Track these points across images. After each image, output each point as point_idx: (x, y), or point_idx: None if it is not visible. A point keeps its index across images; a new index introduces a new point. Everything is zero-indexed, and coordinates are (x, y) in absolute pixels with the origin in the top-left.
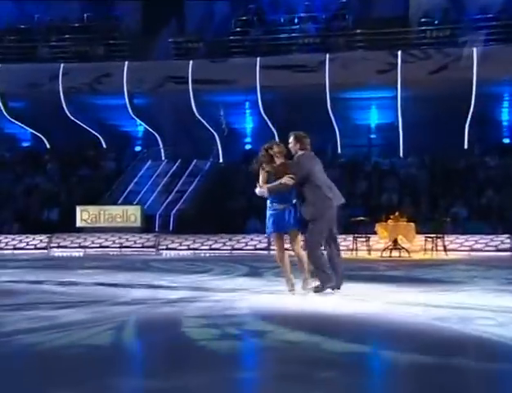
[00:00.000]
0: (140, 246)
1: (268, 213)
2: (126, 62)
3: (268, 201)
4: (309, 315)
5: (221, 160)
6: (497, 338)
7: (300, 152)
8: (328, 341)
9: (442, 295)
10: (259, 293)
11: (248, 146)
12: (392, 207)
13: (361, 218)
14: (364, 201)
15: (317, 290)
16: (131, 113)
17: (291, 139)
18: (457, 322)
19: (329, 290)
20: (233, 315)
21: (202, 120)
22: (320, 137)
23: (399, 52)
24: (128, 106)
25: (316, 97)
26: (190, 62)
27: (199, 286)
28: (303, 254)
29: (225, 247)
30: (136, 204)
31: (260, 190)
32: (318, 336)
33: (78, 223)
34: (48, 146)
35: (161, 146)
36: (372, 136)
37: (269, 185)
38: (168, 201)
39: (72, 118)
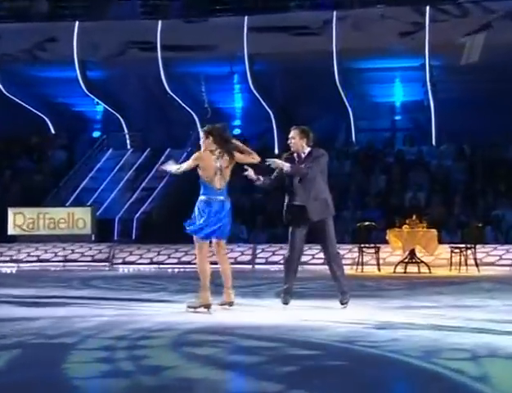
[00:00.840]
0: (89, 259)
1: (201, 208)
2: (76, 23)
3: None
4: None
5: (202, 149)
6: None
7: (307, 149)
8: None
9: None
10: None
11: (236, 131)
12: (417, 209)
13: (369, 223)
14: (381, 201)
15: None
16: (84, 89)
17: (295, 133)
18: None
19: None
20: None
21: (176, 98)
22: (328, 119)
23: (427, 8)
24: (80, 79)
25: (320, 67)
26: (160, 23)
27: (120, 313)
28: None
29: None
30: (90, 205)
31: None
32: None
33: (10, 231)
34: None
35: (125, 131)
36: (396, 117)
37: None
38: (131, 201)
39: (8, 94)
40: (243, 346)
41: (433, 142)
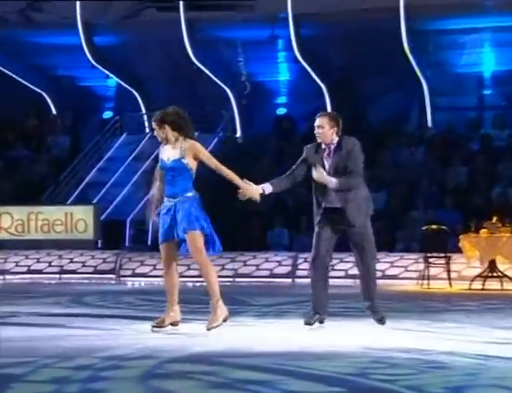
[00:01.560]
0: (91, 270)
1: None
2: None
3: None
4: None
5: (238, 134)
6: None
7: (336, 139)
8: None
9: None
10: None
11: (281, 110)
12: (506, 209)
13: (437, 226)
14: (461, 200)
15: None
16: (90, 58)
17: (324, 121)
18: None
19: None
20: None
21: (205, 70)
22: (396, 96)
23: None
24: (85, 46)
25: (384, 29)
26: None
27: (98, 337)
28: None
29: (225, 272)
30: (96, 203)
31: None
32: None
33: None
34: None
35: (143, 110)
36: (484, 92)
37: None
38: (147, 198)
39: None
40: (228, 379)
41: None
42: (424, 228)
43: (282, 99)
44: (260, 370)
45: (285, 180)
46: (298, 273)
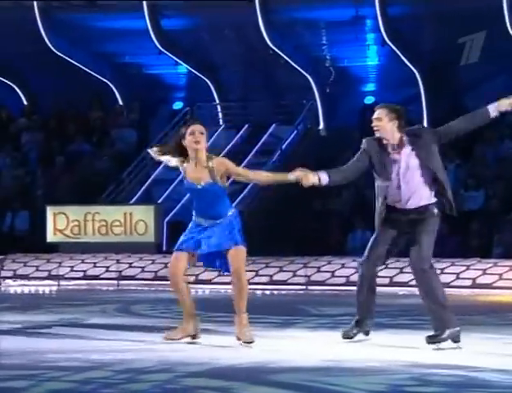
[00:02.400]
0: (151, 276)
1: None
2: None
3: None
4: None
5: (320, 126)
6: None
7: (399, 135)
8: None
9: None
10: None
11: (369, 99)
12: None
13: None
14: None
15: None
16: (156, 43)
17: (382, 113)
18: None
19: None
20: None
21: (283, 56)
22: (498, 82)
23: None
24: (151, 30)
25: (485, 8)
26: None
27: (126, 349)
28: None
29: (297, 279)
30: (161, 203)
31: None
32: None
33: (50, 237)
34: (25, 102)
35: (217, 101)
36: None
37: None
38: None
39: (59, 54)
40: None
41: None
42: None
43: (370, 86)
44: (280, 386)
45: (346, 172)
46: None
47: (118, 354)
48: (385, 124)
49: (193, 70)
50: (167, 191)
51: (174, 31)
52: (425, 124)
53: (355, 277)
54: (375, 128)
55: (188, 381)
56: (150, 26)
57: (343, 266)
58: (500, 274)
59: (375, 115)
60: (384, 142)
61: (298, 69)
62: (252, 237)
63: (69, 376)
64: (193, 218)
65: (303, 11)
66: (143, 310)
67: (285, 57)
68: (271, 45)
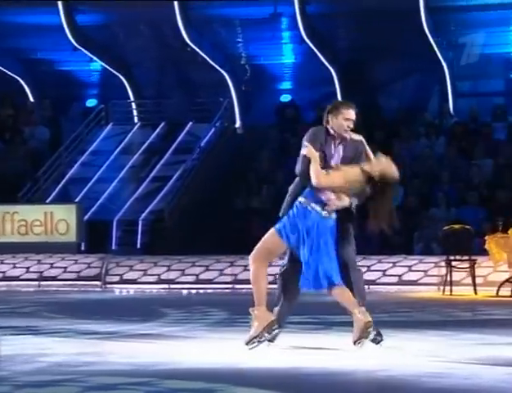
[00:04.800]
0: (74, 277)
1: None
2: None
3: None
4: None
5: (237, 124)
6: None
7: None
8: None
9: None
10: None
11: (285, 97)
12: None
13: (460, 225)
14: (487, 196)
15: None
16: (71, 39)
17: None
18: None
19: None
20: None
21: (200, 53)
22: (413, 80)
23: None
24: (66, 26)
25: (401, 6)
26: None
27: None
28: None
29: (223, 278)
30: (77, 202)
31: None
32: None
33: None
34: None
35: (131, 98)
36: None
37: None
38: (136, 196)
39: None
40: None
41: None
42: (445, 228)
43: (286, 85)
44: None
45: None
46: None
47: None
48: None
49: (107, 67)
50: (83, 190)
51: (89, 27)
52: None
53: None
54: (348, 129)
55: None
56: (64, 22)
57: (270, 264)
58: (425, 271)
59: (353, 117)
60: (331, 132)
61: (215, 66)
62: (173, 236)
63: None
64: None
65: (221, 8)
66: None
67: (202, 55)
68: (189, 42)
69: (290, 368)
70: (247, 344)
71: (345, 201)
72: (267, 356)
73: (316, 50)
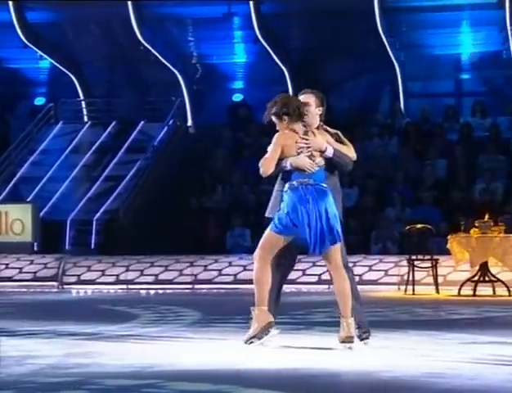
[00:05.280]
0: (30, 277)
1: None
2: None
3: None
4: None
5: (189, 123)
6: None
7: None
8: None
9: None
10: None
11: (238, 97)
12: (491, 205)
13: (423, 225)
14: (440, 196)
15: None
16: (21, 36)
17: (311, 98)
18: None
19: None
20: None
21: (153, 51)
22: (365, 80)
23: None
24: (16, 23)
25: (355, 6)
26: None
27: None
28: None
29: (182, 278)
30: (31, 201)
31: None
32: None
33: None
34: None
35: (81, 97)
36: (463, 76)
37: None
38: (89, 195)
39: None
40: None
41: None
42: (407, 228)
43: (238, 84)
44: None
45: None
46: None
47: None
48: (313, 110)
49: (57, 65)
50: (35, 190)
51: (40, 24)
52: None
53: (243, 275)
54: (307, 112)
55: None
56: (15, 19)
57: (230, 264)
58: (385, 270)
59: (304, 99)
60: (301, 126)
61: (168, 65)
62: (127, 236)
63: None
64: None
65: (173, 6)
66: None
67: (155, 53)
68: (142, 41)
69: (295, 368)
70: (246, 343)
71: (320, 160)
72: (264, 356)
73: (269, 49)
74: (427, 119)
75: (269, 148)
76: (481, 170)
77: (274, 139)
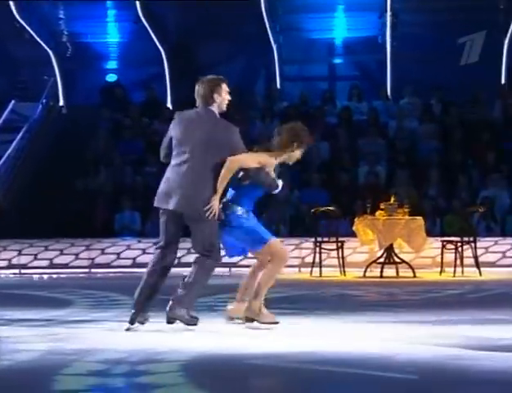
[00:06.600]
0: None
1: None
2: None
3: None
4: None
5: (61, 103)
6: None
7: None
8: None
9: None
10: None
11: (111, 77)
12: (375, 188)
13: (328, 208)
14: (327, 178)
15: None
16: None
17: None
18: None
19: None
20: None
21: (28, 29)
22: (241, 63)
23: None
24: None
25: None
26: None
27: None
28: None
29: (79, 262)
30: None
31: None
32: None
33: None
34: None
35: None
36: (337, 61)
37: None
38: None
39: None
40: None
41: (389, 95)
42: (312, 210)
43: (112, 64)
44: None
45: None
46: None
47: None
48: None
49: None
50: None
51: None
52: (169, 103)
53: (142, 259)
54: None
55: None
56: None
57: (128, 248)
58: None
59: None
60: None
61: (41, 43)
62: (10, 219)
63: None
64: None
65: None
66: None
67: (29, 29)
68: (18, 18)
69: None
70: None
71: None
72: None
73: (149, 29)
74: (305, 101)
75: (254, 155)
76: (363, 154)
77: (265, 156)
